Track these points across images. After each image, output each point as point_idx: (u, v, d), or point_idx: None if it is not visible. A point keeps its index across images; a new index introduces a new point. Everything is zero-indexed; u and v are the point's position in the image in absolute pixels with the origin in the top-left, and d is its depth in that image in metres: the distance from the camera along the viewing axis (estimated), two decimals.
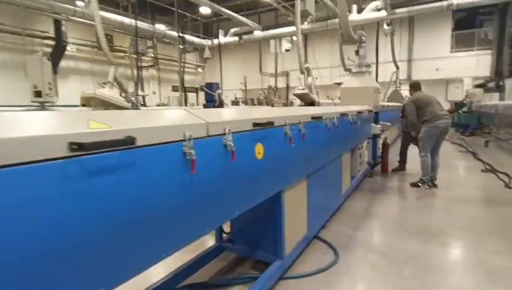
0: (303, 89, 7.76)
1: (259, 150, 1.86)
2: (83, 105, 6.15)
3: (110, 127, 1.00)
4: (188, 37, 14.92)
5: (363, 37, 6.08)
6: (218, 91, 8.42)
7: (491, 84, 14.39)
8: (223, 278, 2.40)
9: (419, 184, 4.85)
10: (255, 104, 16.61)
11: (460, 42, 15.82)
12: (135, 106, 6.67)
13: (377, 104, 6.09)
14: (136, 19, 8.77)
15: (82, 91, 6.53)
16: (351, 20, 11.23)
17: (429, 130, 4.71)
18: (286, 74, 20.68)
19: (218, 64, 23.59)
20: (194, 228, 1.37)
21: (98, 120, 1.03)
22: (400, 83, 14.87)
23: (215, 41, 15.31)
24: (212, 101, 8.21)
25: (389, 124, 6.28)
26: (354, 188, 4.65)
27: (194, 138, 1.32)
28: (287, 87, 19.96)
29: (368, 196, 4.50)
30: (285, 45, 21.39)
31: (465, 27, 15.92)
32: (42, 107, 5.63)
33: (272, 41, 19.55)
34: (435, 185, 4.86)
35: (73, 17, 11.41)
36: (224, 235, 2.72)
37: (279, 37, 15.22)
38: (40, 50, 12.25)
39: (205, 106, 8.24)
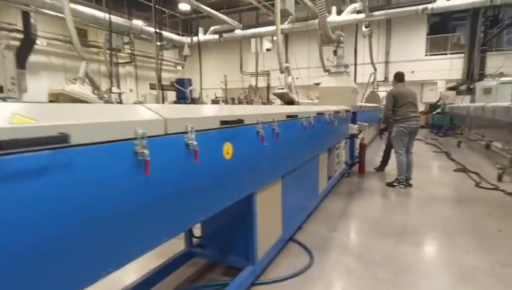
0: (282, 89, 7.75)
1: (227, 149, 1.74)
2: (51, 102, 5.80)
3: (36, 122, 0.85)
4: (167, 34, 14.53)
5: (341, 38, 6.10)
6: (190, 88, 8.15)
7: (463, 87, 14.98)
8: (192, 286, 2.26)
9: (395, 184, 4.90)
10: (236, 104, 16.47)
11: (435, 46, 16.38)
12: (109, 104, 6.36)
13: (355, 105, 6.13)
14: (109, 13, 8.40)
15: (49, 87, 6.16)
16: (330, 22, 11.35)
17: (399, 129, 4.82)
18: (267, 74, 20.72)
19: (198, 62, 23.36)
20: (149, 237, 1.23)
21: (24, 114, 0.88)
22: (378, 85, 15.21)
23: (195, 38, 15.01)
24: (184, 98, 7.92)
25: (366, 124, 6.33)
26: (331, 188, 4.63)
27: (148, 136, 1.18)
28: (268, 87, 19.96)
29: (345, 196, 4.48)
30: (266, 44, 21.42)
31: (439, 32, 16.50)
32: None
33: (253, 41, 19.49)
34: (410, 185, 4.93)
35: (42, 9, 10.82)
36: (194, 239, 2.57)
37: (259, 36, 15.14)
38: (6, 42, 11.54)
39: (176, 104, 7.97)
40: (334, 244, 2.98)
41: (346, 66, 6.13)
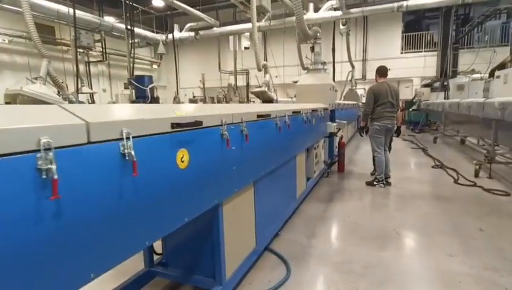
0: (260, 87, 7.50)
1: (182, 157, 1.47)
2: (7, 103, 5.29)
3: None
4: (140, 31, 13.96)
5: (318, 34, 5.93)
6: (151, 85, 7.66)
7: (437, 84, 15.35)
8: None
9: (375, 183, 4.78)
10: (214, 103, 16.10)
11: (410, 44, 16.68)
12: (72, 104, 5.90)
13: (333, 102, 5.98)
14: (74, 8, 7.83)
15: (6, 88, 5.61)
16: (308, 19, 11.23)
17: (374, 128, 4.76)
18: (246, 72, 20.44)
19: (174, 60, 22.74)
20: (69, 277, 0.94)
21: None
22: (356, 82, 15.31)
23: (170, 36, 14.50)
24: (143, 97, 7.39)
25: (345, 122, 6.21)
26: (310, 190, 4.44)
27: (60, 147, 0.89)
28: (247, 86, 19.69)
29: (324, 198, 4.30)
30: (245, 42, 21.18)
31: (414, 30, 16.83)
32: None
33: (231, 39, 19.16)
34: (389, 183, 4.83)
35: (2, 5, 10.05)
36: (155, 257, 2.28)
37: (237, 34, 14.88)
38: None
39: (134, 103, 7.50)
40: (313, 253, 2.77)
41: (324, 63, 5.97)
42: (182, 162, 1.48)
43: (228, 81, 18.62)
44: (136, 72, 21.12)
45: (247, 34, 20.72)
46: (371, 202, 4.17)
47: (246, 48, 20.75)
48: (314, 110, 4.18)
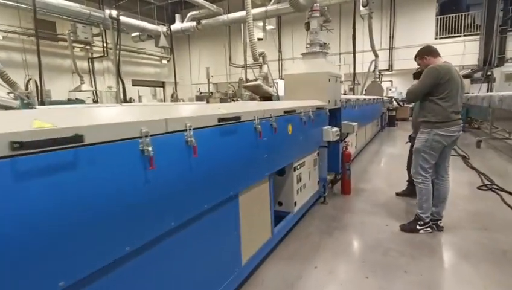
0: (256, 80, 6.09)
1: None
2: None
3: None
4: (138, 22, 12.89)
5: (315, 4, 4.36)
6: None
7: (479, 74, 13.03)
8: None
9: (418, 227, 2.99)
10: (228, 101, 14.77)
11: (446, 28, 14.33)
12: (28, 106, 4.80)
13: (338, 98, 4.42)
14: None
15: None
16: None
17: (434, 139, 2.83)
18: (259, 66, 18.93)
19: (186, 55, 21.69)
20: None
21: None
22: (381, 74, 13.33)
23: (177, 26, 13.32)
24: None
25: (354, 124, 4.61)
26: (289, 229, 2.96)
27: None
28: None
29: (305, 252, 2.75)
30: (258, 33, 19.62)
31: (451, 11, 14.45)
32: None
33: (243, 28, 17.68)
34: (440, 228, 3.02)
35: None
36: None
37: (244, 22, 13.34)
38: None
39: None
40: None
41: (324, 45, 4.39)
42: None
43: (239, 76, 17.26)
44: (145, 69, 20.34)
45: (260, 24, 19.23)
46: (408, 277, 2.33)
47: (259, 39, 19.22)
48: (289, 112, 2.67)
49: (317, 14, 4.29)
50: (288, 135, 2.65)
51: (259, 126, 2.06)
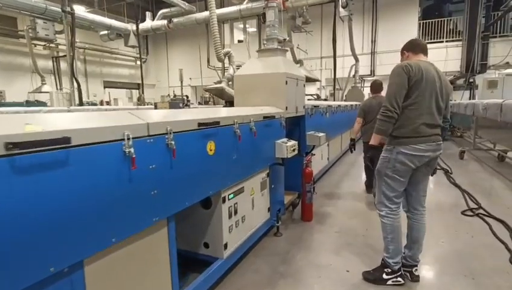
0: (219, 82, 5.40)
1: None
2: None
3: None
4: (104, 20, 11.96)
5: None
6: None
7: (460, 81, 12.71)
8: None
9: (384, 275, 2.26)
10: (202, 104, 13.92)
11: (428, 33, 13.99)
12: None
13: (301, 104, 3.71)
14: None
15: None
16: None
17: (397, 159, 2.14)
18: (237, 68, 18.21)
19: (164, 55, 20.73)
20: None
21: None
22: (362, 79, 12.83)
23: (147, 24, 12.43)
24: None
25: (322, 134, 3.90)
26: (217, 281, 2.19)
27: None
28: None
29: None
30: (238, 35, 18.90)
31: (433, 16, 14.16)
32: None
33: (226, 28, 16.93)
34: (415, 277, 2.28)
35: None
36: None
37: (220, 21, 12.59)
38: None
39: None
40: None
41: (284, 41, 3.66)
42: None
43: (218, 79, 16.48)
44: (119, 70, 19.22)
45: (241, 25, 18.52)
46: None
47: (239, 41, 18.54)
48: (207, 125, 1.90)
49: (274, 4, 3.56)
50: (207, 156, 1.88)
51: (131, 150, 1.28)
